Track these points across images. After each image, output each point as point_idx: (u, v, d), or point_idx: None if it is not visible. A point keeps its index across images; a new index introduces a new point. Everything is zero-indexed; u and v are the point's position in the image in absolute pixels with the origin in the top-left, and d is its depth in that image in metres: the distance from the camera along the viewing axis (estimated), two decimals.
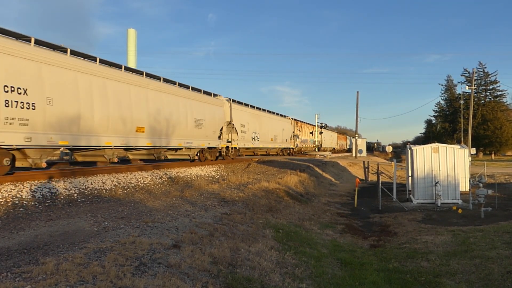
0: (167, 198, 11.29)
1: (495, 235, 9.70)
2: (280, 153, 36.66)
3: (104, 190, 11.51)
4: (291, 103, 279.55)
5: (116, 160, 14.72)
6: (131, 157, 16.97)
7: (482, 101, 72.10)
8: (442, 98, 79.99)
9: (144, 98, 15.59)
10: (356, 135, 52.35)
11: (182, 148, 18.95)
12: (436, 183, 16.19)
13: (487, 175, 25.42)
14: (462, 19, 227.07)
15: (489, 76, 72.91)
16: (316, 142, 47.46)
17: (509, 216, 12.75)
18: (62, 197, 10.08)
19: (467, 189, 16.68)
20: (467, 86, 44.28)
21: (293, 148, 39.75)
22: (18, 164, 11.40)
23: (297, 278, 6.66)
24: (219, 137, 22.54)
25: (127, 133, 14.51)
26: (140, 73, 16.08)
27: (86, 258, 5.15)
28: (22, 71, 10.48)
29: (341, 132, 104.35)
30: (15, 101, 10.23)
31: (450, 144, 22.65)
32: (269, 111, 33.15)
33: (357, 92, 65.33)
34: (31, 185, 10.15)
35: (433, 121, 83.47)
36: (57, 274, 4.51)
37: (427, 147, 17.34)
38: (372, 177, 30.44)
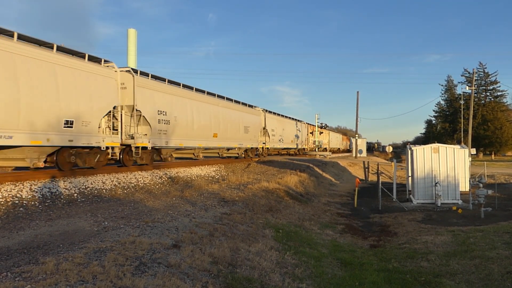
0: (167, 198, 11.28)
1: (495, 235, 9.70)
2: (298, 152, 42.45)
3: (104, 190, 11.52)
4: (291, 103, 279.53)
5: (201, 156, 21.44)
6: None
7: (482, 101, 72.02)
8: (442, 98, 79.92)
9: (216, 113, 21.89)
10: (356, 135, 52.26)
11: (235, 148, 24.88)
12: (436, 183, 16.17)
13: (487, 175, 25.41)
14: (462, 19, 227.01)
15: (489, 77, 72.89)
16: (316, 142, 48.46)
17: (509, 216, 12.75)
18: (62, 197, 10.09)
19: (467, 189, 16.68)
20: (467, 86, 44.23)
21: (306, 148, 45.27)
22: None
23: (297, 278, 6.66)
24: (257, 140, 28.64)
25: (207, 137, 20.60)
26: (213, 95, 22.10)
27: (86, 258, 5.15)
28: (163, 100, 16.55)
29: (343, 132, 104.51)
30: (161, 119, 16.24)
31: (450, 144, 22.64)
32: (290, 118, 39.26)
33: (357, 92, 65.27)
34: (31, 185, 10.16)
35: (433, 121, 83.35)
36: (57, 274, 4.52)
37: (427, 147, 17.32)
38: (372, 177, 30.46)
